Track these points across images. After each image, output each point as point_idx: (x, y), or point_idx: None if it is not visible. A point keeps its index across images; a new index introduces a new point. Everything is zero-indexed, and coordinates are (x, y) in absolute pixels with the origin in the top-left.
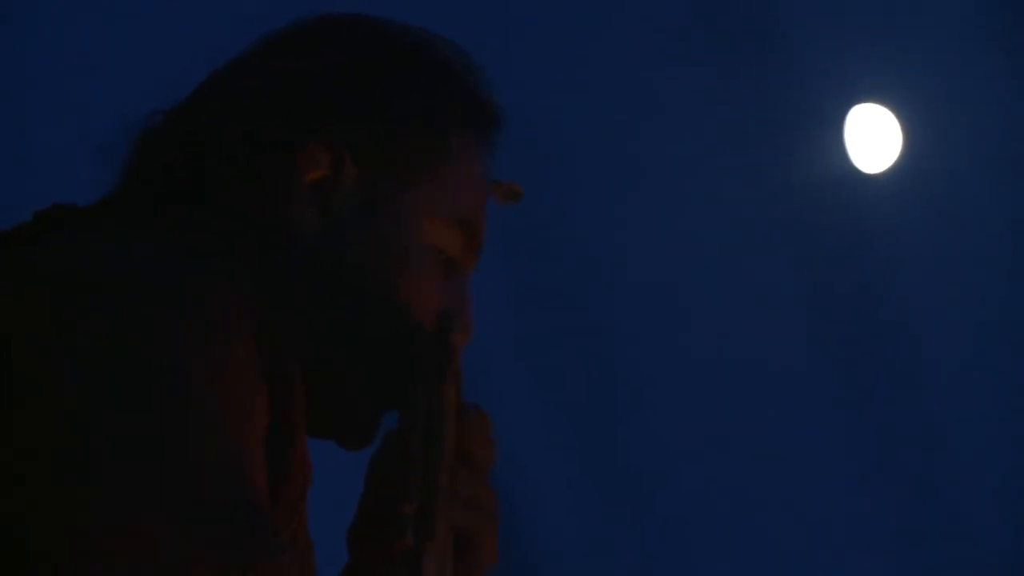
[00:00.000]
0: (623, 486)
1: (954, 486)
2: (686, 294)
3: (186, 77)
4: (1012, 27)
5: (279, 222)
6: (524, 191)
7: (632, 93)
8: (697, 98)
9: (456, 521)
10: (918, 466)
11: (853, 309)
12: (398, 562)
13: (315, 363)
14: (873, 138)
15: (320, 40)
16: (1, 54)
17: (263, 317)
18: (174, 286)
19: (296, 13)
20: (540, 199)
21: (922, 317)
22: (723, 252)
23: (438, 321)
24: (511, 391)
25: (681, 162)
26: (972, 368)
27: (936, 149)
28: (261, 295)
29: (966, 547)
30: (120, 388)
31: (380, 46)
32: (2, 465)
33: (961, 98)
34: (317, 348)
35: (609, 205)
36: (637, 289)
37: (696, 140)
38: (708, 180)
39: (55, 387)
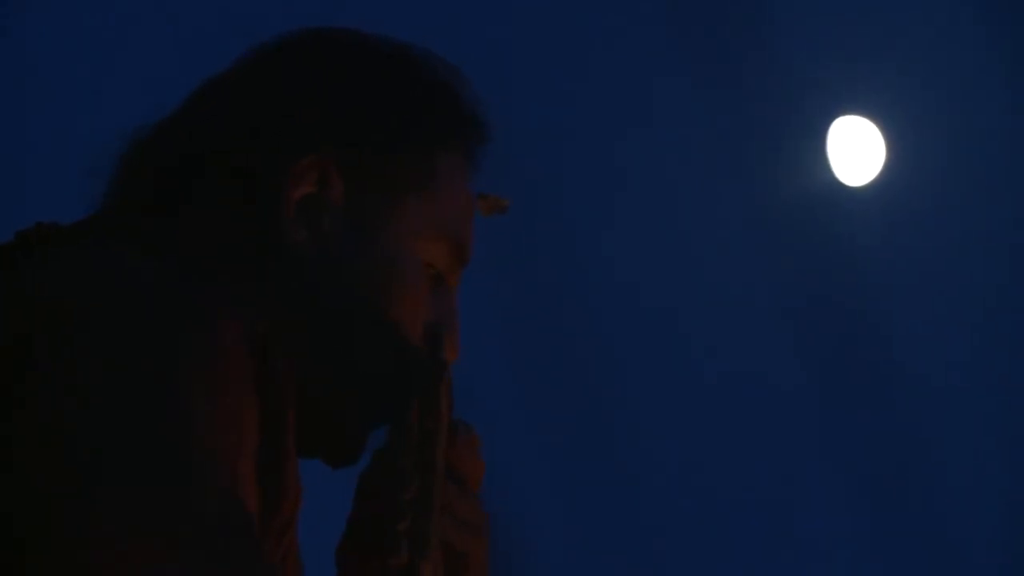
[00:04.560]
0: (612, 498)
1: (940, 495)
2: (672, 306)
3: (194, 80)
4: (995, 40)
5: (268, 240)
6: (510, 205)
7: (617, 107)
8: (681, 111)
9: (448, 538)
10: (904, 476)
11: (837, 320)
12: None
13: (305, 381)
14: (856, 150)
15: (306, 56)
16: (1, 58)
17: (257, 336)
18: (171, 304)
19: (294, 20)
20: (526, 214)
21: (906, 329)
22: (708, 264)
23: (431, 339)
24: (498, 404)
25: (666, 175)
26: (957, 379)
27: (919, 161)
28: (255, 313)
29: (952, 557)
30: (115, 409)
31: (366, 62)
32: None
33: (944, 110)
34: (307, 366)
35: (595, 219)
36: (624, 302)
37: (680, 153)
38: (692, 193)
39: (49, 408)
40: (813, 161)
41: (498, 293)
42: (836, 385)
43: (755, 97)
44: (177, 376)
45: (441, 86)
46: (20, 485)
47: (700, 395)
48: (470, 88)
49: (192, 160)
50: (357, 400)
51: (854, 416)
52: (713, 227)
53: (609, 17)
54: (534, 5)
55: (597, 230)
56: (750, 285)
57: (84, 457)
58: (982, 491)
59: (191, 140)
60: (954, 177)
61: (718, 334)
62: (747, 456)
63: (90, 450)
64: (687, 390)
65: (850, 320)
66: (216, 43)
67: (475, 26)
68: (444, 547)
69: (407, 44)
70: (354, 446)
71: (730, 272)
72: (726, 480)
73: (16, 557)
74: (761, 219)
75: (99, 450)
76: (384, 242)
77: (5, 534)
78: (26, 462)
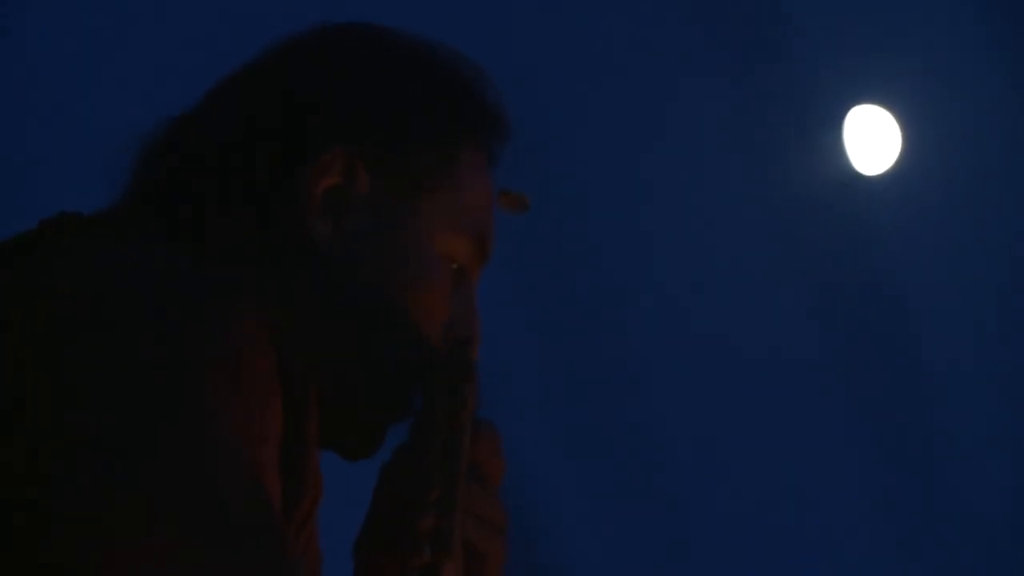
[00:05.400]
0: (636, 492)
1: (957, 478)
2: (691, 297)
3: (194, 80)
4: (1010, 30)
5: (292, 231)
6: (533, 201)
7: (634, 99)
8: (697, 102)
9: (469, 537)
10: (921, 458)
11: (854, 310)
12: None
13: (325, 373)
14: (872, 139)
15: (331, 50)
16: (2, 59)
17: (278, 328)
18: (189, 297)
19: (294, 20)
20: (548, 208)
21: (922, 317)
22: (725, 254)
23: (458, 336)
24: (523, 399)
25: (683, 165)
26: (972, 365)
27: (935, 150)
28: (275, 306)
29: (969, 540)
30: (132, 403)
31: (390, 57)
32: (16, 482)
33: (960, 99)
34: (328, 358)
35: (615, 211)
36: (645, 294)
37: (697, 144)
38: (709, 183)
39: (65, 401)
40: (829, 150)
41: (520, 290)
42: (853, 373)
43: (771, 87)
44: (195, 369)
45: (463, 82)
46: (35, 477)
47: (721, 389)
48: (492, 85)
49: (214, 154)
50: (374, 394)
51: (870, 403)
52: (730, 217)
53: (625, 9)
54: (553, 3)
55: (617, 223)
56: (768, 275)
57: (102, 449)
58: (999, 468)
59: (211, 134)
60: (970, 166)
61: (737, 325)
62: (771, 445)
63: (108, 443)
64: (709, 383)
65: (867, 309)
66: (216, 43)
67: (498, 25)
68: (464, 546)
69: (430, 40)
70: (370, 440)
71: (748, 262)
72: (750, 472)
73: (29, 551)
74: (778, 209)
75: (117, 444)
76: (406, 237)
77: (15, 531)
78: (42, 454)
